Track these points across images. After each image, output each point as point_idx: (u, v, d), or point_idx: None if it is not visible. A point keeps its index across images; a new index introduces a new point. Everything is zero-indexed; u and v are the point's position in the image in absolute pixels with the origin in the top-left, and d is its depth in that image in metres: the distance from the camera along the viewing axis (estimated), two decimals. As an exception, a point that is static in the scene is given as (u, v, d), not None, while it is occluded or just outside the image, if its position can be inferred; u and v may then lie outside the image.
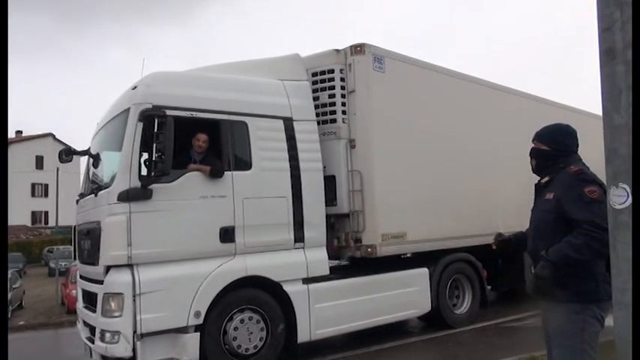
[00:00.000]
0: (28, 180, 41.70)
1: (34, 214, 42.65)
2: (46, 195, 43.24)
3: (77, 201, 5.98)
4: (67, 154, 5.66)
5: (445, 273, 6.83)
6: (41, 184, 43.26)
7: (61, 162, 5.72)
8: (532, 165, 2.83)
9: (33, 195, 43.23)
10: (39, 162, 42.76)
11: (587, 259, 2.43)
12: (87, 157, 5.81)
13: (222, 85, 5.38)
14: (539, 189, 2.84)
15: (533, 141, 2.86)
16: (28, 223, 40.11)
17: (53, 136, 44.44)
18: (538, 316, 7.37)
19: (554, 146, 2.70)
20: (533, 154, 2.79)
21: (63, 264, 15.51)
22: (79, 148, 5.92)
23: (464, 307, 7.17)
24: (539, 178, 2.88)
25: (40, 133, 44.76)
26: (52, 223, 40.73)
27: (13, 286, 13.09)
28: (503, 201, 7.72)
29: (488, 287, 7.71)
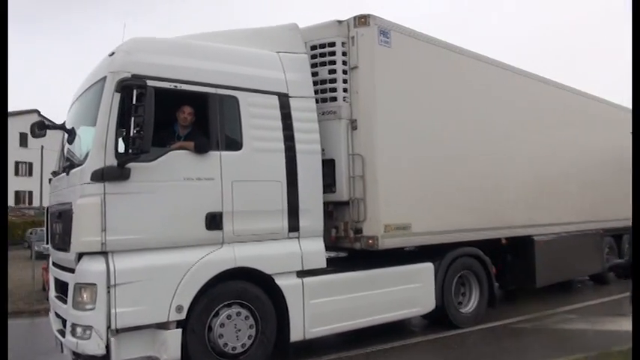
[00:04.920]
0: (12, 158, 41.21)
1: (17, 193, 42.30)
2: (30, 174, 42.83)
3: (49, 180, 5.76)
4: (40, 127, 5.39)
5: (451, 268, 6.67)
6: (25, 163, 42.85)
7: (34, 136, 5.45)
8: None
9: (17, 174, 42.87)
10: (23, 139, 42.11)
11: None
12: (62, 131, 5.55)
13: (211, 54, 5.15)
14: None
15: None
16: (12, 203, 39.70)
17: (38, 112, 43.66)
18: (550, 317, 7.20)
19: None
20: None
21: (44, 247, 15.22)
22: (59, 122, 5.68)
23: (470, 305, 7.00)
24: None
25: (25, 109, 44.09)
26: (36, 203, 40.25)
27: (-8, 269, 12.80)
28: (514, 194, 7.58)
29: (497, 285, 7.52)
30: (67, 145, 5.43)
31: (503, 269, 7.64)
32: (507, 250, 7.69)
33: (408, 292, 6.11)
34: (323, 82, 5.85)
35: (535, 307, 7.53)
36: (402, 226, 5.95)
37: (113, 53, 4.72)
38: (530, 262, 7.63)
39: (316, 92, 5.73)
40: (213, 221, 4.79)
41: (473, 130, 6.98)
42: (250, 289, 4.99)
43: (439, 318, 6.60)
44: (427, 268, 6.37)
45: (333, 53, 5.84)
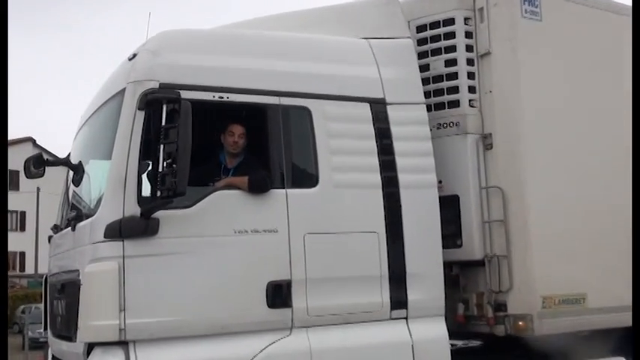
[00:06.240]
0: (-1, 205, 44.26)
1: (5, 256, 45.07)
2: (23, 228, 45.38)
3: (49, 238, 6.04)
4: (38, 163, 5.73)
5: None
6: (16, 212, 45.53)
7: (29, 176, 5.81)
8: None
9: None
10: (14, 179, 44.91)
11: None
12: (66, 168, 5.86)
13: (269, 48, 5.29)
14: None
15: None
16: (-2, 270, 42.52)
17: (33, 141, 47.02)
18: None
19: None
20: None
21: (40, 332, 16.02)
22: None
23: None
24: None
25: (16, 137, 47.46)
26: (30, 269, 42.64)
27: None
28: None
29: None
30: (72, 188, 5.67)
31: None
32: None
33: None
34: (437, 78, 5.89)
35: None
36: (571, 297, 5.83)
37: (134, 55, 4.91)
38: None
39: (427, 95, 5.74)
40: (278, 294, 4.80)
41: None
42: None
43: None
44: (616, 368, 6.14)
45: (451, 35, 5.90)
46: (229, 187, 4.87)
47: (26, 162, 5.75)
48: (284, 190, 4.91)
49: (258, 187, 4.84)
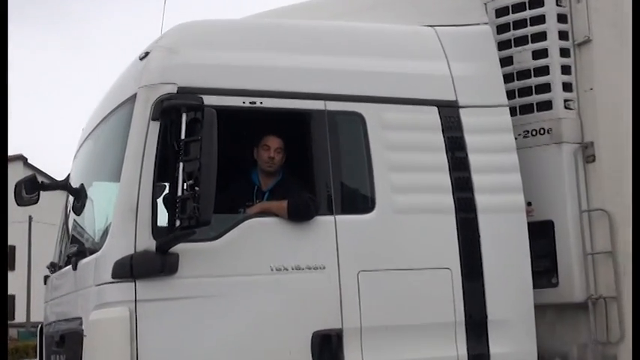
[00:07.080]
0: (-18, 237, 45.09)
1: (-8, 300, 45.92)
2: (12, 266, 45.99)
3: (45, 279, 6.15)
4: (31, 187, 5.89)
5: None
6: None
7: (20, 203, 5.95)
8: None
9: (-9, 266, 46.65)
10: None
11: None
12: (65, 192, 6.02)
13: (311, 42, 5.38)
14: None
15: None
16: (-17, 317, 43.40)
17: (25, 160, 47.85)
18: None
19: None
20: None
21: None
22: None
23: None
24: None
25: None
26: (21, 317, 43.10)
27: None
28: None
29: None
30: (72, 217, 5.80)
31: None
32: None
33: None
34: (522, 74, 5.91)
35: None
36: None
37: (147, 54, 5.01)
38: None
39: (511, 95, 5.75)
40: (327, 347, 4.83)
41: None
42: None
43: None
44: None
45: (540, 19, 5.91)
46: (264, 213, 4.93)
47: (17, 186, 5.88)
48: (332, 217, 4.95)
49: (300, 213, 4.89)
